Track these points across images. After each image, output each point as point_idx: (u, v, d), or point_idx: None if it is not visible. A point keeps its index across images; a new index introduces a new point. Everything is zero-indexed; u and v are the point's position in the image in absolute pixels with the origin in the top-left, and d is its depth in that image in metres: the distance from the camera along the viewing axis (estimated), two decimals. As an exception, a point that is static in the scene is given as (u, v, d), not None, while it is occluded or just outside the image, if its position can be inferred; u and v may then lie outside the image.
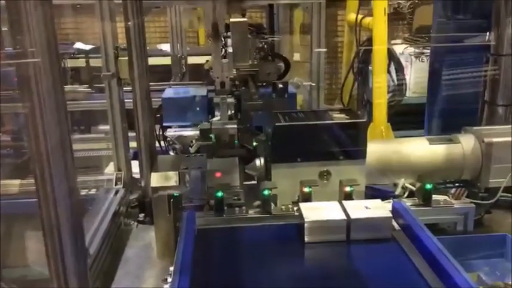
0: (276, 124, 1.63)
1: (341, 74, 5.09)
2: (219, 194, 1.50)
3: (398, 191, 1.68)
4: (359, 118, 1.68)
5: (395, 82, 4.20)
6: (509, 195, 1.94)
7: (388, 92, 3.59)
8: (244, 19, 1.71)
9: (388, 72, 3.71)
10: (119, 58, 1.90)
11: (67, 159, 0.86)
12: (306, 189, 1.52)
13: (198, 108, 2.55)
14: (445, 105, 2.79)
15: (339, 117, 1.67)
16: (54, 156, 0.84)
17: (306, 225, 1.29)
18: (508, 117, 1.95)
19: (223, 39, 1.96)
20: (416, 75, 4.27)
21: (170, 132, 2.26)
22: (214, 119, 2.23)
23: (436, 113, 2.97)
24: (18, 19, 0.76)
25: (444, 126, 2.82)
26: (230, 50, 1.76)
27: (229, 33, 1.98)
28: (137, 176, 2.10)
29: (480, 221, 1.82)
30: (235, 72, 1.86)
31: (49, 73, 0.80)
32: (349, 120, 1.64)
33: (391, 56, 3.84)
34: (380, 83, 3.35)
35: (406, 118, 3.60)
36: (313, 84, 3.09)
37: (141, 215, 1.92)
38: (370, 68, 3.68)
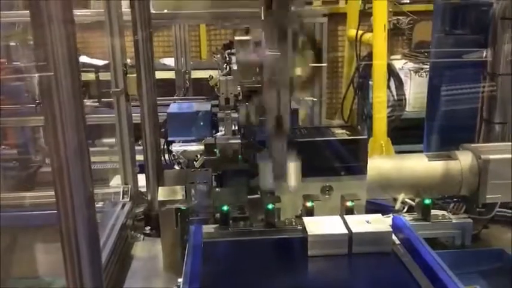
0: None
1: (341, 89, 5.15)
2: (225, 208, 1.55)
3: (398, 205, 1.73)
4: (360, 135, 1.73)
5: (395, 97, 4.26)
6: (506, 210, 1.99)
7: (388, 107, 3.65)
8: (249, 37, 1.77)
9: (388, 87, 3.77)
10: (128, 75, 1.97)
11: (85, 168, 0.91)
12: (309, 204, 1.57)
13: (202, 123, 2.60)
14: (444, 120, 2.85)
15: (340, 134, 1.73)
16: (73, 165, 0.89)
17: (309, 239, 1.34)
18: (504, 134, 2.01)
19: (227, 56, 2.02)
20: (415, 91, 4.33)
21: (175, 147, 2.31)
22: (218, 134, 2.29)
23: (435, 128, 3.02)
24: (43, 36, 0.81)
25: (443, 142, 2.87)
26: (234, 67, 1.82)
27: (233, 50, 2.05)
28: (142, 189, 2.16)
29: (478, 235, 1.87)
30: (239, 89, 1.92)
31: (70, 86, 0.85)
32: (350, 137, 1.70)
33: (391, 71, 3.91)
34: (380, 97, 3.41)
35: (405, 132, 3.65)
36: (315, 99, 3.16)
37: (147, 228, 1.97)
38: (370, 82, 3.75)
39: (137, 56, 1.89)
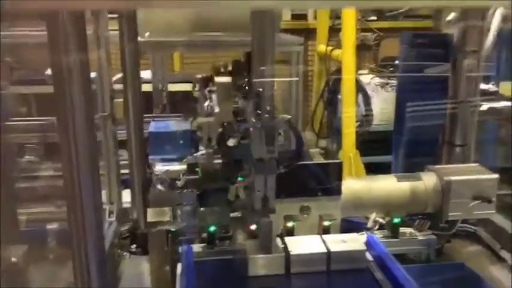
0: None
1: (311, 102, 5.32)
2: (212, 228, 1.66)
3: (370, 224, 1.88)
4: (335, 158, 1.88)
5: (363, 112, 4.45)
6: (467, 225, 2.17)
7: (356, 121, 3.84)
8: (229, 79, 1.91)
9: (356, 102, 3.95)
10: (114, 100, 2.07)
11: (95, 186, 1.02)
12: (289, 224, 1.71)
13: (182, 142, 2.70)
14: (411, 134, 3.04)
15: (317, 158, 1.87)
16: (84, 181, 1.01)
17: (291, 258, 1.47)
18: (465, 155, 2.19)
19: (207, 94, 2.14)
20: (382, 105, 4.53)
21: (158, 167, 2.41)
22: (199, 153, 2.40)
23: (402, 142, 3.22)
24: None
25: (410, 154, 3.06)
26: (216, 109, 1.94)
27: (213, 88, 2.18)
28: (126, 204, 2.24)
29: (441, 249, 2.04)
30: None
31: (83, 104, 0.96)
32: (325, 161, 1.84)
33: (359, 87, 4.09)
34: (349, 113, 3.58)
35: (373, 145, 3.84)
36: (289, 116, 3.29)
37: (133, 246, 2.06)
38: (339, 97, 3.92)
39: (125, 82, 1.99)
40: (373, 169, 3.31)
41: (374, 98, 4.50)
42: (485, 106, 4.49)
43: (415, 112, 2.96)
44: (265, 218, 1.59)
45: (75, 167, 1.00)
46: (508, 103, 4.44)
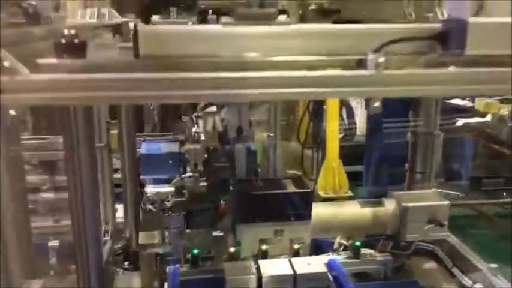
0: (240, 193, 2.05)
1: (297, 111, 5.54)
2: (195, 251, 1.91)
3: (335, 246, 2.13)
4: (306, 187, 2.12)
5: (347, 126, 4.71)
6: (426, 244, 2.43)
7: (340, 133, 4.08)
8: (214, 109, 2.14)
9: (340, 115, 4.19)
10: (111, 131, 2.30)
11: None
12: (264, 247, 1.95)
13: (171, 162, 2.94)
14: (380, 150, 3.29)
15: (290, 187, 2.11)
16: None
17: (263, 279, 1.72)
18: (424, 181, 2.44)
19: (194, 120, 2.38)
20: (364, 118, 4.78)
21: (149, 188, 2.65)
22: (186, 174, 2.63)
23: (373, 158, 3.47)
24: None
25: (378, 168, 3.31)
26: (203, 137, 2.18)
27: (200, 114, 2.41)
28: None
29: (402, 266, 2.30)
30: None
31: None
32: (297, 190, 2.08)
33: (343, 101, 4.34)
34: (333, 127, 3.82)
35: (355, 155, 4.10)
36: (271, 134, 3.53)
37: (126, 263, 2.29)
38: (324, 107, 4.17)
39: (120, 116, 2.23)
40: (355, 178, 3.58)
41: (357, 110, 4.77)
42: (460, 122, 4.78)
43: (384, 129, 3.21)
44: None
45: (80, 192, 1.25)
46: (481, 119, 4.72)
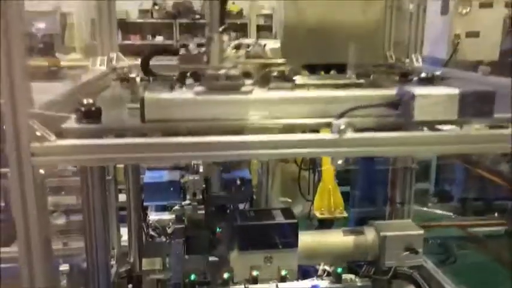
0: (234, 224, 2.28)
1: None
2: (192, 277, 2.13)
3: (319, 272, 2.35)
4: (293, 218, 2.34)
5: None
6: (406, 269, 2.64)
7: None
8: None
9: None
10: (117, 166, 2.54)
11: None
12: (254, 273, 2.17)
13: (172, 189, 3.17)
14: (365, 175, 3.52)
15: (279, 217, 2.34)
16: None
17: (252, 303, 1.94)
18: (403, 212, 2.67)
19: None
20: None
21: (151, 216, 2.88)
22: (186, 202, 2.86)
23: (359, 183, 3.70)
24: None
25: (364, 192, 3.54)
26: (201, 169, 2.41)
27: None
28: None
29: (383, 291, 2.51)
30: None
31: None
32: (286, 221, 2.30)
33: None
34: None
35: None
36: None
37: (130, 286, 2.51)
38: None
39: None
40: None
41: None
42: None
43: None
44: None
45: (92, 218, 1.49)
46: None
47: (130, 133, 1.33)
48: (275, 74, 1.53)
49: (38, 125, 1.19)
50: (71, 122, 1.33)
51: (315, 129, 1.36)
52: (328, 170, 3.99)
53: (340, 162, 1.34)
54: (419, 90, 1.35)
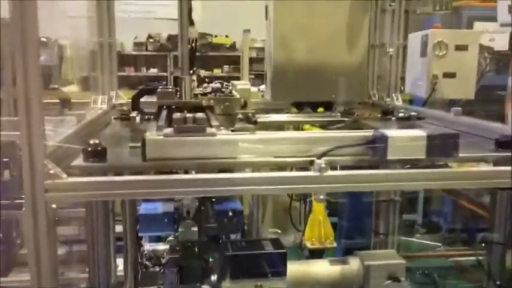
0: (225, 254, 2.40)
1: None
2: (186, 305, 2.24)
3: (307, 299, 2.47)
4: (282, 248, 2.47)
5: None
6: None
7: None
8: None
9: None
10: (114, 198, 2.67)
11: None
12: (245, 302, 2.29)
13: (166, 220, 3.29)
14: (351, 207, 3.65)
15: (268, 247, 2.46)
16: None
17: (242, 329, 2.05)
18: (388, 242, 2.81)
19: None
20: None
21: (146, 246, 2.99)
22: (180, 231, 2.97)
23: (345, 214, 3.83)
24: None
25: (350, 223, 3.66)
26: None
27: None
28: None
29: (368, 317, 2.62)
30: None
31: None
32: (275, 251, 2.43)
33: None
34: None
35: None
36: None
37: (126, 314, 2.61)
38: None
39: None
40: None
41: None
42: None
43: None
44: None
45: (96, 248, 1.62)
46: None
47: (128, 172, 1.47)
48: (240, 116, 1.71)
49: (51, 164, 1.33)
50: (79, 160, 1.47)
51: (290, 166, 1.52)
52: (317, 204, 4.14)
53: (322, 197, 1.49)
54: (391, 133, 1.51)
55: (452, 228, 5.63)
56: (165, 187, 1.39)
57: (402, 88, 3.07)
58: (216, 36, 8.73)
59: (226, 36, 8.86)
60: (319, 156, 1.47)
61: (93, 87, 2.74)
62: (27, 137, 1.27)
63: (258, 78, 7.14)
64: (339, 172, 1.47)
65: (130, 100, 2.48)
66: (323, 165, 1.43)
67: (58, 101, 3.55)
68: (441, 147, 1.48)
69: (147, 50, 8.82)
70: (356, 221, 3.60)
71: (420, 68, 2.93)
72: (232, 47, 8.87)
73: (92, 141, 1.49)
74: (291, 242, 3.60)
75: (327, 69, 2.91)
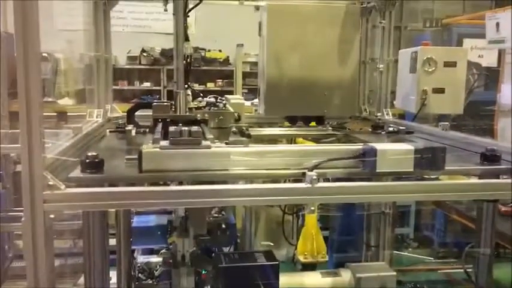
0: (219, 266, 2.43)
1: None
2: (180, 316, 2.26)
3: (300, 311, 2.50)
4: (274, 260, 2.50)
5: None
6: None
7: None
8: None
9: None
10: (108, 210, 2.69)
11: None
12: (237, 314, 2.32)
13: (159, 233, 3.31)
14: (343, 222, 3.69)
15: (261, 259, 2.49)
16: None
17: None
18: (379, 254, 2.85)
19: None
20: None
21: (140, 259, 3.01)
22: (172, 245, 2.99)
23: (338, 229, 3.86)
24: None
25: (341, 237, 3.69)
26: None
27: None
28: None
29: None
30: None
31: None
32: (267, 263, 2.46)
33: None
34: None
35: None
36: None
37: (119, 326, 2.62)
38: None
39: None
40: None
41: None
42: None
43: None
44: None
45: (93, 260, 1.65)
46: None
47: (125, 183, 1.51)
48: (234, 129, 1.76)
49: (50, 175, 1.37)
50: (77, 172, 1.51)
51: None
52: (311, 217, 4.18)
53: (312, 208, 1.53)
54: (380, 146, 1.56)
55: (443, 242, 5.67)
56: (160, 198, 1.42)
57: (394, 102, 3.14)
58: (209, 50, 8.81)
59: (220, 51, 8.93)
60: (311, 169, 1.52)
61: (88, 100, 2.78)
62: (27, 149, 1.30)
63: (251, 92, 7.21)
64: (329, 184, 1.51)
65: (125, 114, 2.53)
66: (314, 177, 1.47)
67: (55, 114, 3.58)
68: (428, 160, 1.53)
69: (140, 64, 8.86)
70: (347, 235, 3.64)
71: (410, 84, 3.00)
72: (226, 61, 8.94)
73: (89, 153, 1.52)
74: (284, 255, 3.63)
75: (319, 84, 2.97)
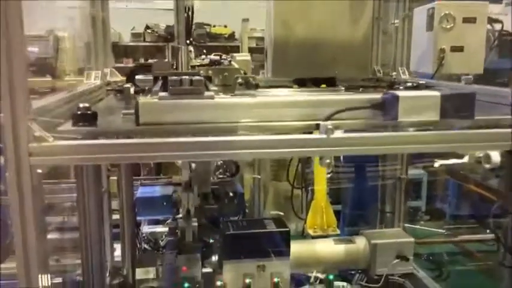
0: (226, 233, 2.30)
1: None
2: (186, 285, 2.15)
3: (311, 279, 2.37)
4: (285, 227, 2.37)
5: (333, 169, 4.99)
6: (398, 278, 2.67)
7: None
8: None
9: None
10: (110, 177, 2.57)
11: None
12: (247, 281, 2.20)
13: (165, 204, 3.19)
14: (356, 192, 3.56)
15: (271, 226, 2.37)
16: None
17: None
18: (393, 220, 2.71)
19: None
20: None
21: (145, 229, 2.90)
22: (179, 215, 2.88)
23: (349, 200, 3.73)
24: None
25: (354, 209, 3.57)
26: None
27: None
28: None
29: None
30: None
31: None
32: (278, 229, 2.33)
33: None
34: (320, 173, 4.11)
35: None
36: (259, 176, 3.81)
37: (123, 297, 2.52)
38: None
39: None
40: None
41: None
42: (437, 163, 5.09)
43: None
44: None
45: (88, 232, 1.52)
46: (459, 160, 5.03)
47: (123, 136, 1.38)
48: (239, 80, 1.60)
49: (36, 127, 1.23)
50: (68, 125, 1.37)
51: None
52: (320, 190, 4.04)
53: (328, 161, 1.39)
54: (402, 93, 1.41)
55: (457, 214, 5.53)
56: (157, 151, 1.28)
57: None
58: (214, 26, 8.59)
59: (225, 26, 8.72)
60: (326, 118, 1.37)
61: (86, 63, 2.64)
62: (8, 95, 1.17)
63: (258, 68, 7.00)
64: (346, 134, 1.36)
65: (125, 78, 2.38)
66: (330, 127, 1.32)
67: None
68: (456, 107, 1.38)
69: (145, 41, 8.68)
70: (360, 209, 3.50)
71: (426, 43, 2.82)
72: (231, 36, 8.72)
73: (81, 105, 1.39)
74: (293, 230, 3.50)
75: (329, 44, 2.80)
